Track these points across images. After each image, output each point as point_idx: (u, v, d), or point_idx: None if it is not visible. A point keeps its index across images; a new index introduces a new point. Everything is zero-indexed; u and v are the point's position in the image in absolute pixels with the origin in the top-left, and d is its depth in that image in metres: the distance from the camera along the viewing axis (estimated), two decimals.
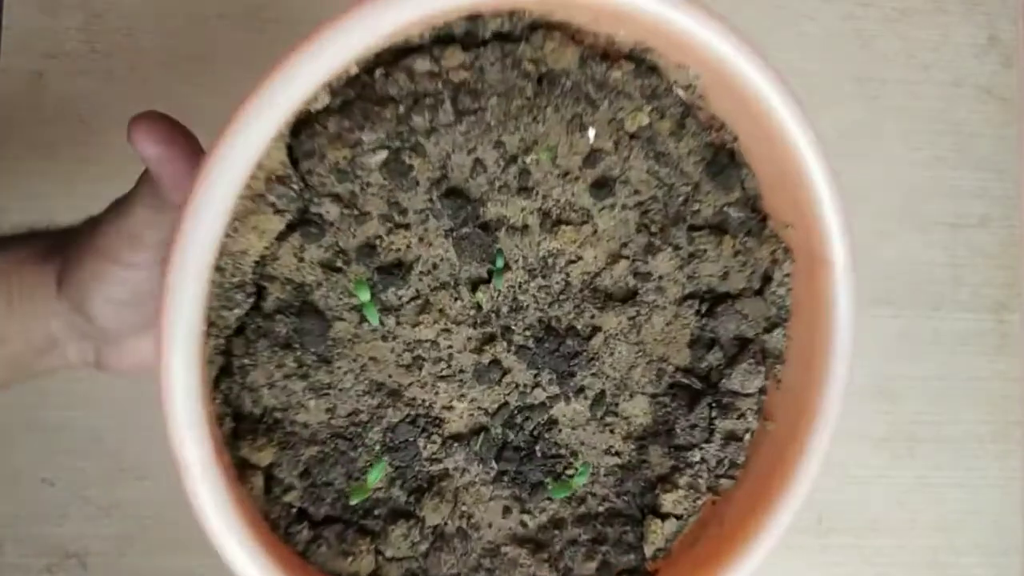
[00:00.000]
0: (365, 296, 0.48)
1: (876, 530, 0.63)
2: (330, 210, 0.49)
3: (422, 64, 0.49)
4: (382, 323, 0.51)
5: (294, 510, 0.51)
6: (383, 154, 0.50)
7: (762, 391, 0.60)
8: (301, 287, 0.50)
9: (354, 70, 0.47)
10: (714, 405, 0.59)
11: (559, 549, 0.58)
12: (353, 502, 0.51)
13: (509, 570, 0.56)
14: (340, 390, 0.52)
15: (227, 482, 0.44)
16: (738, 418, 0.60)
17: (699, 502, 0.59)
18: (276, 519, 0.51)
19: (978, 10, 0.64)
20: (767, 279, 0.60)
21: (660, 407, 0.59)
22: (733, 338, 0.60)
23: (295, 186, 0.48)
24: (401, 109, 0.48)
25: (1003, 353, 0.63)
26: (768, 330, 0.60)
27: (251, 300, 0.49)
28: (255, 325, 0.49)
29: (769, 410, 0.61)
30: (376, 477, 0.50)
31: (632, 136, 0.55)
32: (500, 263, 0.52)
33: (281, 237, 0.49)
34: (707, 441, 0.59)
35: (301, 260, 0.49)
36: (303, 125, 0.47)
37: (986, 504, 0.64)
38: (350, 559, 0.52)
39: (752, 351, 0.60)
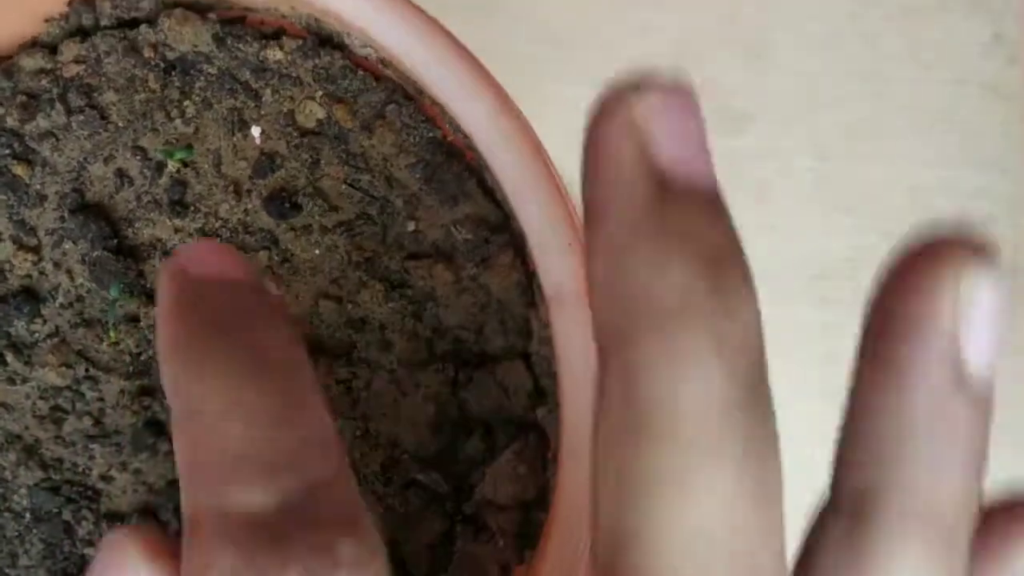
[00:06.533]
0: None
1: None
2: None
3: (31, 61, 0.43)
4: (5, 362, 0.44)
5: None
6: None
7: (535, 503, 0.39)
8: None
9: None
10: (462, 520, 0.40)
11: None
12: None
13: None
14: None
15: None
16: (487, 542, 0.39)
17: None
18: None
19: (982, 7, 0.63)
20: (529, 333, 0.40)
21: (391, 517, 0.41)
22: (509, 420, 0.41)
23: None
24: (1, 111, 0.42)
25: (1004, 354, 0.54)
26: (533, 407, 0.40)
27: None
28: None
29: (546, 531, 0.39)
30: None
31: (308, 133, 0.42)
32: (115, 293, 0.42)
33: None
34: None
35: None
36: None
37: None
38: None
39: (527, 438, 0.40)
